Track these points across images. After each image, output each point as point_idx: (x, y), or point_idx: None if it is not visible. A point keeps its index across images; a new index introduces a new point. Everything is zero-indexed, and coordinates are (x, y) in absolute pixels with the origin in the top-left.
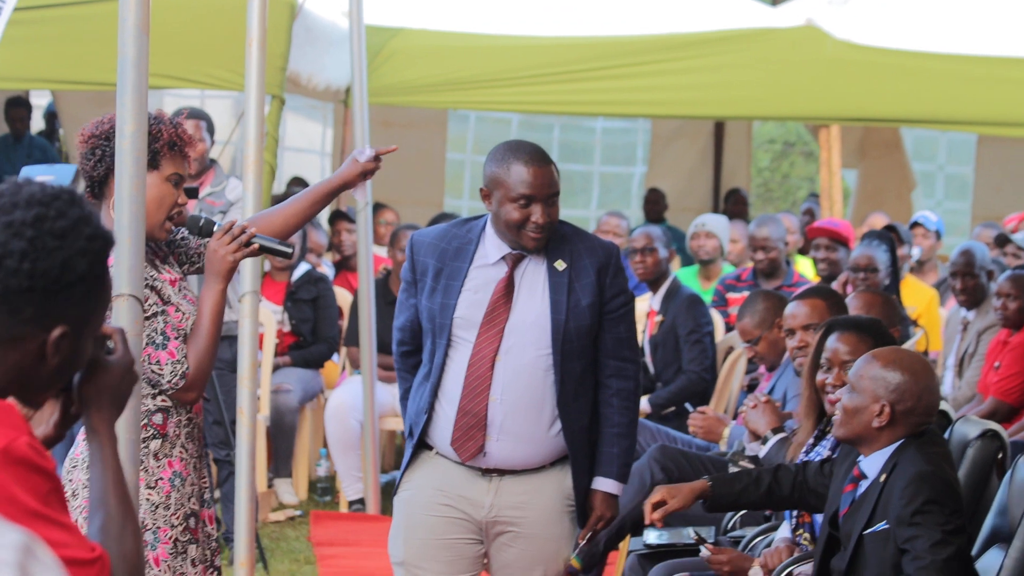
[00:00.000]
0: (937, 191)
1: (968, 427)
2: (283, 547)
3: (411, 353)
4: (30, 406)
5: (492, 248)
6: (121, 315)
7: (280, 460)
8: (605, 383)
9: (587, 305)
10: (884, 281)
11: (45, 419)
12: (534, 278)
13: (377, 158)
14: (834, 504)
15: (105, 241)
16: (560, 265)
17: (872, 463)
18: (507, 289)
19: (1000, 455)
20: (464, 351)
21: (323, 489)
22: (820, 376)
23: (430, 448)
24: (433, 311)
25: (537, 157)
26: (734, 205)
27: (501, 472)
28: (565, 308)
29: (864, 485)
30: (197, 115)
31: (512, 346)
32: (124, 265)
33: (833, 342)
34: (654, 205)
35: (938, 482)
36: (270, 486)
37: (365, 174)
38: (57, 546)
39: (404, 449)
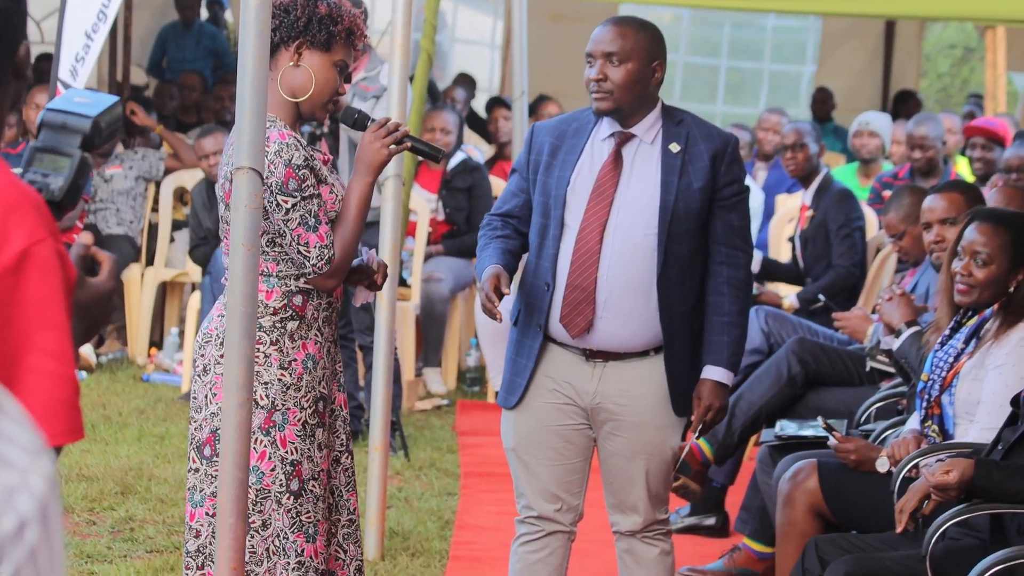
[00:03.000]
0: None
1: None
2: (427, 435)
3: (499, 228)
4: None
5: (606, 127)
6: (241, 187)
7: (430, 349)
8: (715, 271)
9: (698, 188)
10: None
11: None
12: (647, 158)
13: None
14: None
15: None
16: (675, 148)
17: None
18: (615, 165)
19: None
20: (575, 228)
21: (472, 379)
22: (953, 265)
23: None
24: (548, 184)
25: (613, 19)
26: (905, 106)
27: (606, 356)
28: (675, 189)
29: None
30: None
31: (620, 223)
32: (245, 137)
33: (970, 232)
34: (822, 104)
35: None
36: (419, 375)
37: None
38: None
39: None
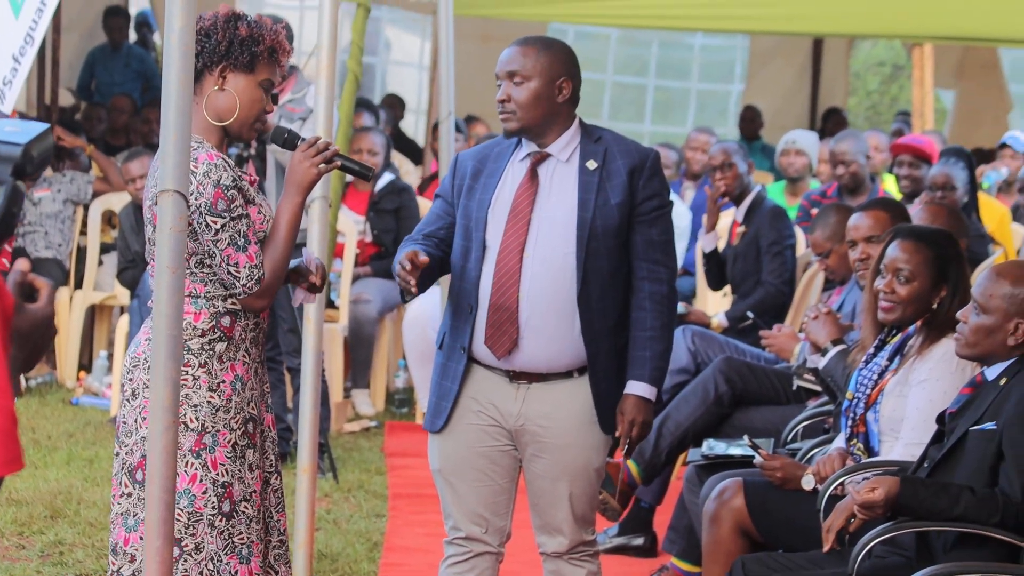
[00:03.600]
0: None
1: None
2: (355, 457)
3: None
4: None
5: (524, 147)
6: (166, 210)
7: (358, 371)
8: (637, 286)
9: (616, 204)
10: (963, 199)
11: None
12: (564, 177)
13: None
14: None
15: None
16: (591, 165)
17: (995, 368)
18: (531, 184)
19: None
20: (496, 249)
21: (400, 401)
22: (876, 283)
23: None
24: (470, 207)
25: (519, 40)
26: (834, 125)
27: (529, 378)
28: (593, 206)
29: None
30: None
31: (538, 242)
32: (170, 160)
33: (892, 249)
34: (749, 123)
35: None
36: (347, 396)
37: None
38: None
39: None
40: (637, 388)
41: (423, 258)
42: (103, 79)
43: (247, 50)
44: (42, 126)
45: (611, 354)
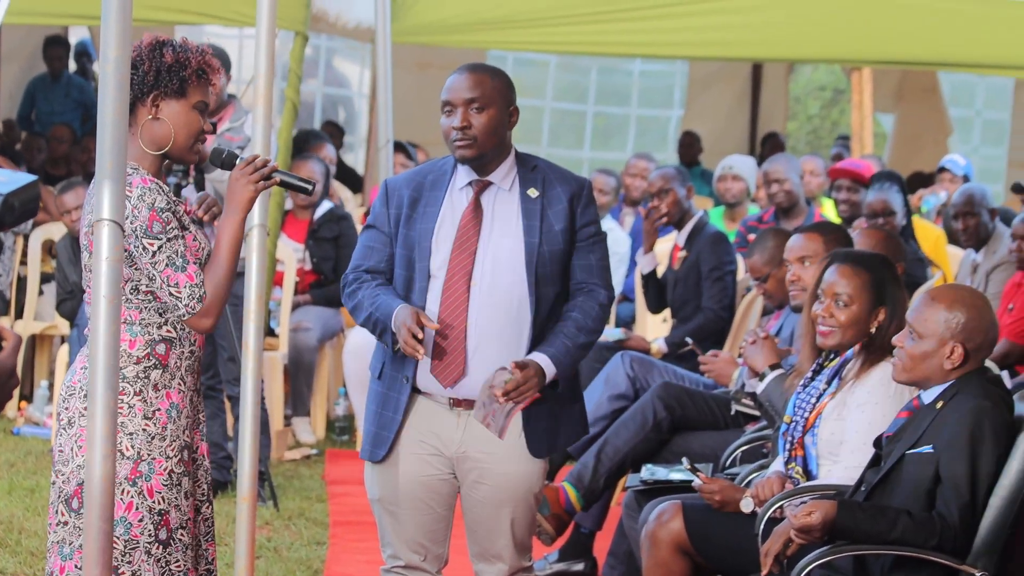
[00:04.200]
0: (974, 137)
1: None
2: (296, 485)
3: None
4: None
5: (463, 176)
6: (102, 240)
7: (298, 398)
8: (572, 297)
9: (560, 230)
10: (901, 222)
11: None
12: (507, 205)
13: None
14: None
15: None
16: (533, 193)
17: (931, 392)
18: (475, 213)
19: None
20: (441, 279)
21: (341, 428)
22: (815, 308)
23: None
24: (411, 237)
25: (467, 66)
26: (771, 149)
27: (471, 405)
28: (539, 232)
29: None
30: (213, 53)
31: (486, 271)
32: (106, 189)
33: (830, 274)
34: (688, 148)
35: (997, 419)
36: (288, 424)
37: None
38: None
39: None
40: (541, 359)
41: (434, 323)
42: (43, 109)
43: (175, 76)
44: (29, 178)
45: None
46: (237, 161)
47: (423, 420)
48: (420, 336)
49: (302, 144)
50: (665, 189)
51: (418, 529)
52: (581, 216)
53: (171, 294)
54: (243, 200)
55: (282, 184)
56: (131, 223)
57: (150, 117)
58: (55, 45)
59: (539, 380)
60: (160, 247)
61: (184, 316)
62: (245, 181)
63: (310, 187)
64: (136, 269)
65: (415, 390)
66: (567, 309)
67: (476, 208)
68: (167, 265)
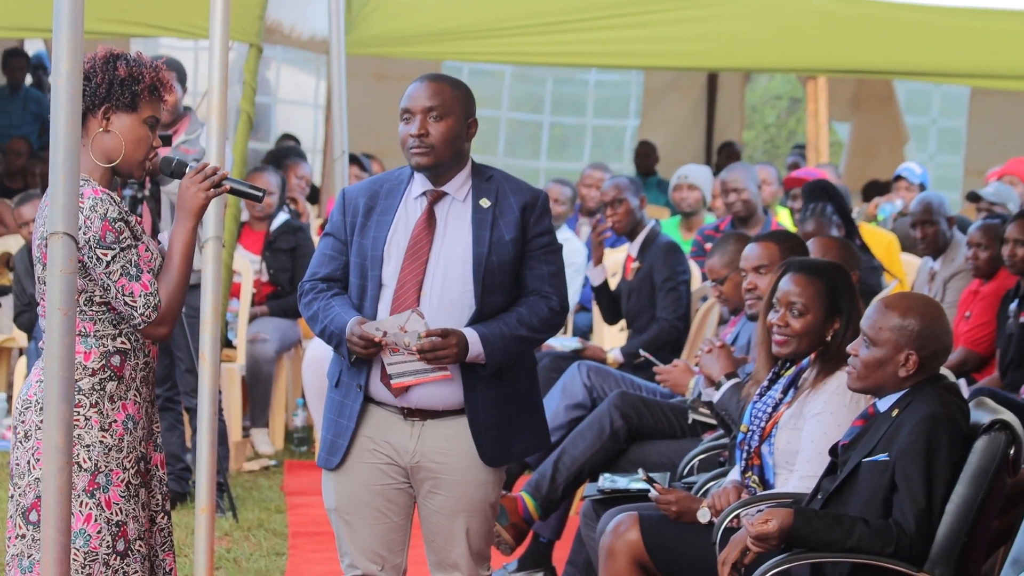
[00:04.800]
0: (930, 144)
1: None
2: (255, 496)
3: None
4: None
5: (418, 185)
6: (55, 252)
7: (256, 410)
8: (520, 300)
9: (510, 240)
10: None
11: None
12: (460, 215)
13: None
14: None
15: None
16: (485, 203)
17: (886, 400)
18: (428, 223)
19: (1012, 450)
20: (392, 287)
21: (299, 439)
22: (770, 317)
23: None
24: (364, 246)
25: (429, 76)
26: (727, 159)
27: (424, 415)
28: (488, 242)
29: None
30: (169, 65)
31: (436, 280)
32: (59, 202)
33: (785, 283)
34: (644, 158)
35: (952, 427)
36: (246, 436)
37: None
38: None
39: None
40: (470, 334)
41: (378, 335)
42: (1, 121)
43: (127, 90)
44: None
45: (489, 384)
46: (187, 169)
47: (376, 429)
48: (377, 340)
49: (280, 160)
50: (618, 199)
51: (374, 538)
52: (534, 226)
53: (126, 303)
54: (194, 207)
55: (232, 192)
56: (84, 234)
57: (101, 130)
58: (15, 56)
59: (459, 352)
60: (114, 257)
61: (140, 325)
62: (196, 189)
63: (260, 194)
64: (90, 280)
65: (368, 399)
66: (515, 305)
67: (429, 218)
68: (121, 275)
